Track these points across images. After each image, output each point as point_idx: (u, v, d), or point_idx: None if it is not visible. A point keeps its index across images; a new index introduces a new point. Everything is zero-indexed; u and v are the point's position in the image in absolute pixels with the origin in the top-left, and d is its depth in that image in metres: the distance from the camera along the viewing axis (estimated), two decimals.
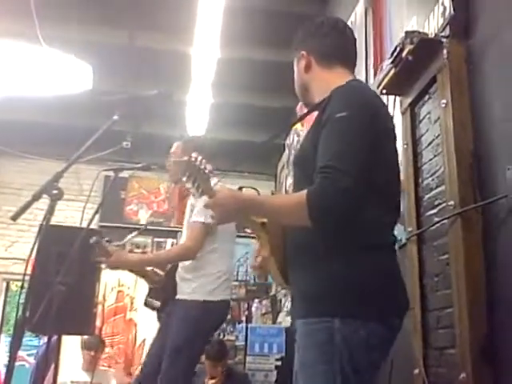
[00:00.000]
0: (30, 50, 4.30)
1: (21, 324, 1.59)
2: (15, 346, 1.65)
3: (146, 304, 3.02)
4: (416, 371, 2.03)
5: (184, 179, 1.50)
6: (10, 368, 1.61)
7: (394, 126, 1.61)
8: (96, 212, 2.59)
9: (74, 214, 5.82)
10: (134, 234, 3.21)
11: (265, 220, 1.58)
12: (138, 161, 3.08)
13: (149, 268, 2.94)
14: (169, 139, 3.24)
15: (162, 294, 2.88)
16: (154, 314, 3.12)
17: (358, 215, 1.38)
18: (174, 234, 6.05)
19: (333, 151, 1.39)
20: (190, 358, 2.62)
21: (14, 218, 1.60)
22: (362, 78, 3.44)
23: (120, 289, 5.53)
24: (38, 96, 4.99)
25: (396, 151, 1.58)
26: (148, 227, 6.31)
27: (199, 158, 1.45)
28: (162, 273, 2.95)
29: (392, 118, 1.62)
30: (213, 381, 3.92)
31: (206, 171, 1.47)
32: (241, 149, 5.93)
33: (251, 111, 5.80)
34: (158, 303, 2.94)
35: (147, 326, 4.88)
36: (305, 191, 1.38)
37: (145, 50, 5.01)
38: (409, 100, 2.35)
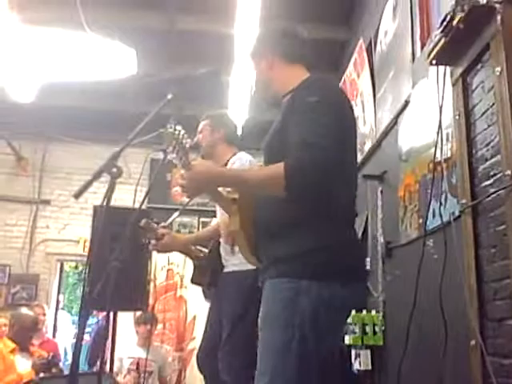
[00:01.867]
0: (75, 37, 4.40)
1: (86, 303, 1.68)
2: (82, 324, 1.73)
3: (193, 281, 3.09)
4: (472, 342, 2.02)
5: (169, 150, 1.58)
6: (77, 345, 1.70)
7: (354, 114, 1.80)
8: (147, 193, 2.66)
9: (123, 196, 5.93)
10: (177, 214, 3.29)
11: (236, 196, 1.68)
12: None
13: (193, 247, 3.01)
14: None
15: (208, 270, 2.94)
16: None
17: (331, 190, 1.50)
18: None
19: (309, 129, 1.50)
20: (247, 326, 2.69)
21: (76, 196, 1.67)
22: (409, 51, 3.36)
23: (170, 267, 5.65)
24: (87, 82, 5.10)
25: (356, 137, 1.75)
26: (194, 208, 6.45)
27: (182, 131, 1.55)
28: (205, 250, 3.01)
29: (352, 106, 1.78)
30: None
31: (187, 145, 1.55)
32: None
33: None
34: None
35: (197, 302, 4.97)
36: (282, 163, 1.47)
37: (186, 33, 5.03)
38: (460, 70, 2.30)
